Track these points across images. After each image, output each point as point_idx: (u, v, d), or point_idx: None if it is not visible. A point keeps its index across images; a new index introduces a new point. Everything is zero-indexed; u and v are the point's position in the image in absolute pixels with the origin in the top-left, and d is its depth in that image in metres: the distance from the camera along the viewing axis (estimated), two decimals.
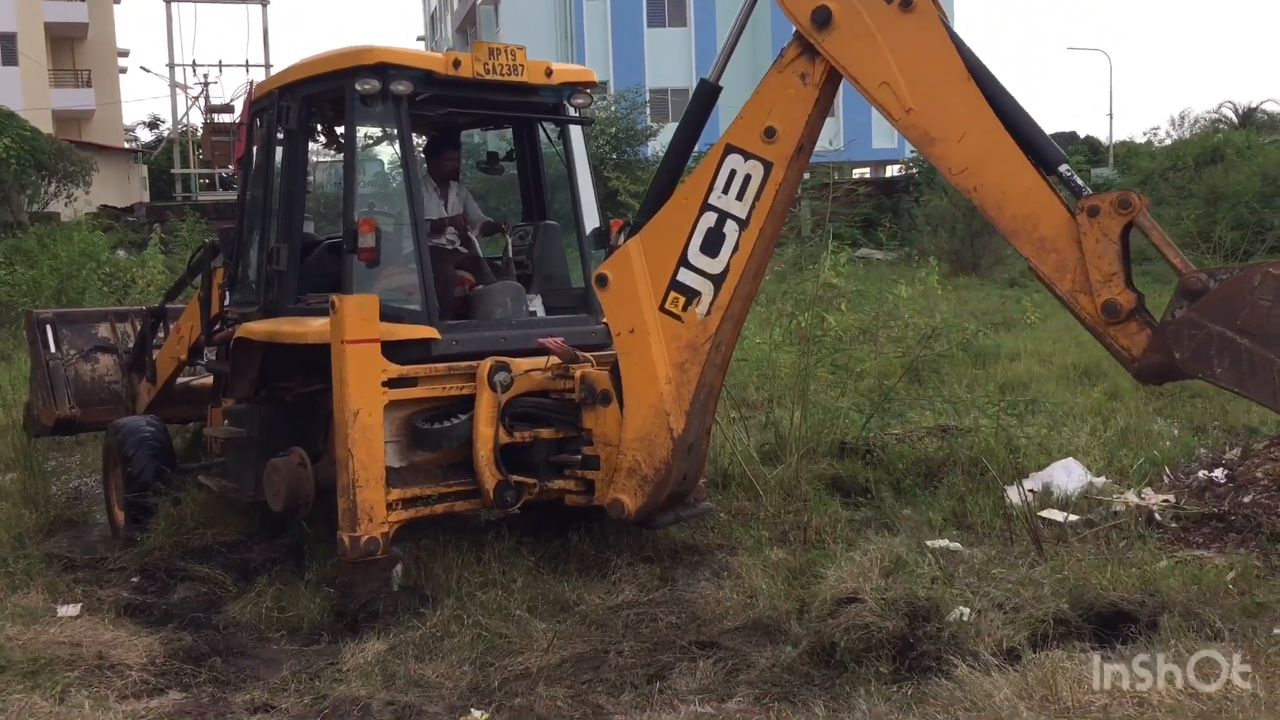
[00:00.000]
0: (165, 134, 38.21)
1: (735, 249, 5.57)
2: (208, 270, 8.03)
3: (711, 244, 5.60)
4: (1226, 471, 7.49)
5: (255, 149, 7.33)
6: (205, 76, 35.30)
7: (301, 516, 6.45)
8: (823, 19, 5.15)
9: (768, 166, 5.47)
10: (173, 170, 33.66)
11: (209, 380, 8.35)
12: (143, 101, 73.34)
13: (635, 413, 5.78)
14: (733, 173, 5.54)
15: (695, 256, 5.62)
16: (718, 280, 5.60)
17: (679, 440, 5.73)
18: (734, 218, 5.55)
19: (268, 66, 33.95)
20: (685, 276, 5.65)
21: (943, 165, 5.07)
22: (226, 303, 7.57)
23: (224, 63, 36.74)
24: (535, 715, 4.38)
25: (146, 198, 31.15)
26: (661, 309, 5.69)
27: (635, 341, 5.75)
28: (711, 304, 5.62)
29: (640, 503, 5.79)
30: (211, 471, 7.34)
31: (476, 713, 4.37)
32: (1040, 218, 4.81)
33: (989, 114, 4.91)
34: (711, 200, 5.57)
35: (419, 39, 60.44)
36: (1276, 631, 4.47)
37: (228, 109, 32.71)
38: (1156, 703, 3.62)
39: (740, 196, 5.53)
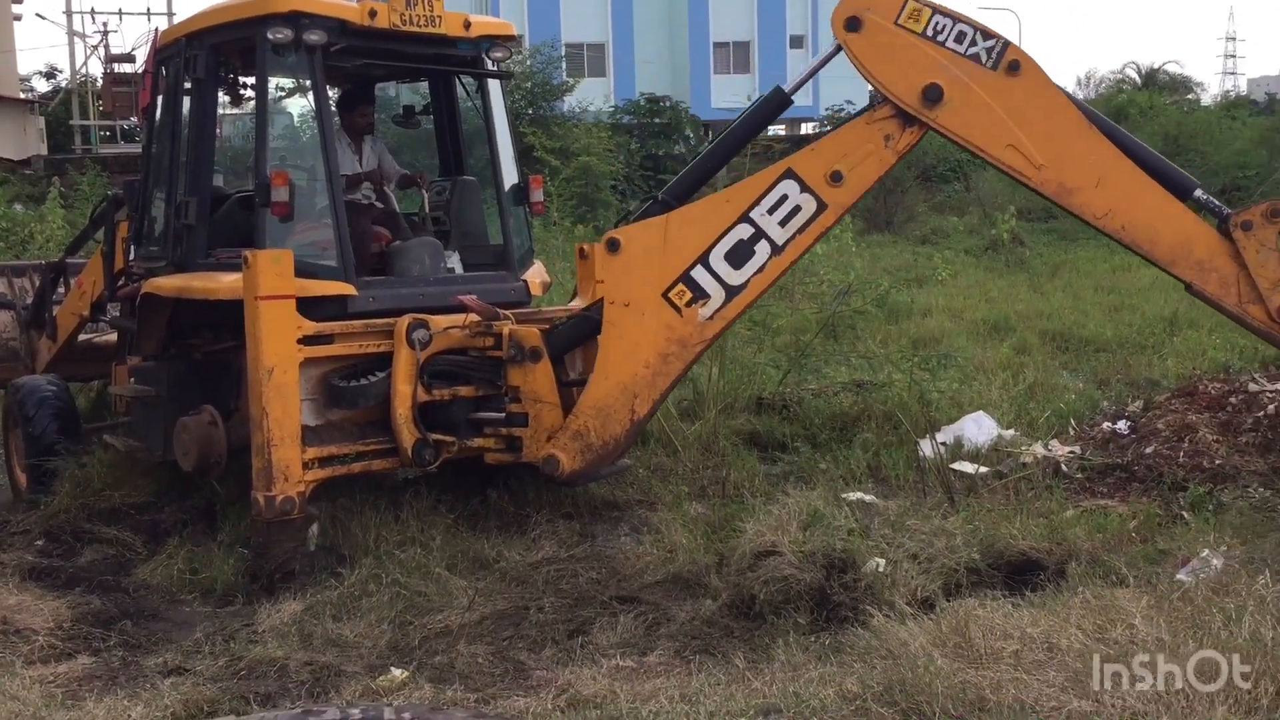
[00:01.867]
0: (63, 84, 36.75)
1: (760, 270, 5.55)
2: (111, 224, 7.78)
3: (738, 256, 5.54)
4: (1129, 423, 7.72)
5: (160, 99, 7.08)
6: (105, 25, 33.82)
7: (213, 477, 6.33)
8: (935, 96, 5.18)
9: (821, 207, 5.47)
10: (71, 122, 32.41)
11: (113, 337, 8.12)
12: (38, 50, 70.43)
13: (602, 382, 5.72)
14: (785, 197, 5.50)
15: (717, 261, 5.55)
16: (732, 291, 5.57)
17: (637, 423, 5.75)
18: (770, 240, 5.51)
19: (170, 15, 32.74)
20: (700, 275, 5.57)
21: (1086, 212, 5.19)
22: (131, 257, 7.34)
23: (124, 11, 35.26)
24: (456, 673, 4.37)
25: (44, 150, 29.92)
26: (664, 295, 5.60)
27: (626, 316, 5.64)
28: (718, 311, 5.60)
29: (577, 467, 5.78)
30: (118, 431, 7.15)
31: (396, 671, 4.34)
32: (1194, 242, 5.04)
33: (1118, 156, 5.09)
34: (753, 215, 5.51)
35: None
36: (1179, 577, 4.64)
37: (129, 58, 31.47)
38: (1065, 646, 3.73)
39: (784, 223, 5.50)
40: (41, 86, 38.41)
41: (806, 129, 42.76)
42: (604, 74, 39.89)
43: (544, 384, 5.90)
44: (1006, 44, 5.21)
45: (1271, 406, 7.13)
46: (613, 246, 5.67)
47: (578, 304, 6.99)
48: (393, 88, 9.23)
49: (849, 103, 37.54)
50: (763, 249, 5.53)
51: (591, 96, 32.20)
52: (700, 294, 5.57)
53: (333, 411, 6.00)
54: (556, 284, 9.34)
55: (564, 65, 32.83)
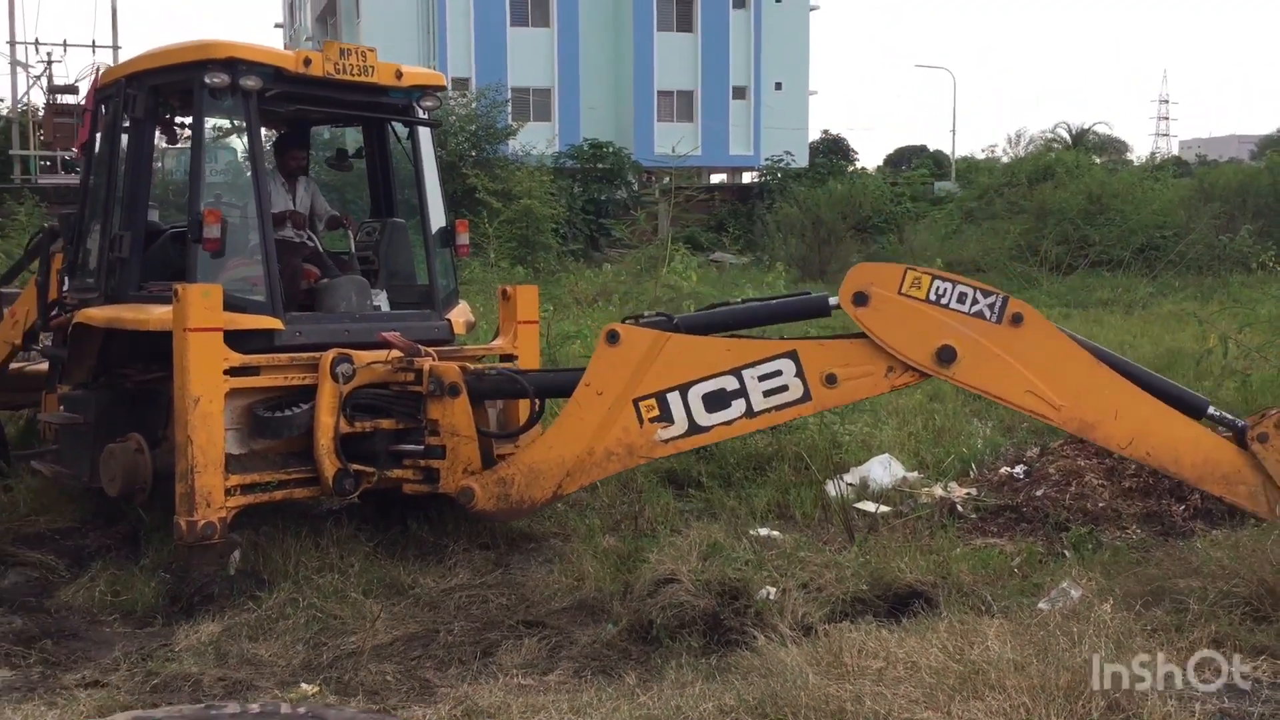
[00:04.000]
0: (4, 113, 36.46)
1: (728, 423, 5.73)
2: (46, 255, 7.95)
3: (715, 401, 5.70)
4: (1025, 468, 8.14)
5: (99, 135, 7.31)
6: (48, 55, 33.65)
7: (138, 503, 6.50)
8: (949, 356, 5.45)
9: (805, 397, 5.68)
10: (11, 151, 32.20)
11: (43, 366, 8.25)
12: None
13: (544, 449, 5.95)
14: (779, 373, 5.68)
15: (695, 397, 5.70)
16: (695, 429, 5.74)
17: (559, 496, 6.03)
18: (749, 402, 5.68)
19: (115, 48, 32.71)
20: (674, 401, 5.71)
21: (1111, 443, 5.49)
22: (65, 288, 7.52)
23: (69, 43, 35.09)
24: (362, 687, 4.60)
25: None
26: (635, 401, 5.75)
27: (594, 402, 5.81)
28: (674, 439, 5.77)
29: (490, 508, 6.07)
30: (45, 458, 7.29)
31: (305, 686, 4.56)
32: (1217, 460, 5.35)
33: (1130, 388, 5.40)
34: (745, 373, 5.67)
35: (276, 25, 59.12)
36: (1039, 605, 5.00)
37: (72, 89, 31.39)
38: (925, 665, 4.06)
39: (767, 394, 5.68)
40: None
41: (747, 178, 43.65)
42: (549, 118, 40.47)
43: (462, 419, 6.19)
44: (1006, 298, 5.50)
45: None
46: (612, 339, 5.83)
47: (499, 343, 7.30)
48: (330, 129, 9.52)
49: (788, 153, 38.64)
50: (738, 407, 5.70)
51: (535, 140, 32.68)
52: (666, 417, 5.72)
53: (257, 441, 6.21)
54: (489, 324, 9.63)
55: (509, 109, 33.30)
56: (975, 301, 5.46)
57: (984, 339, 5.43)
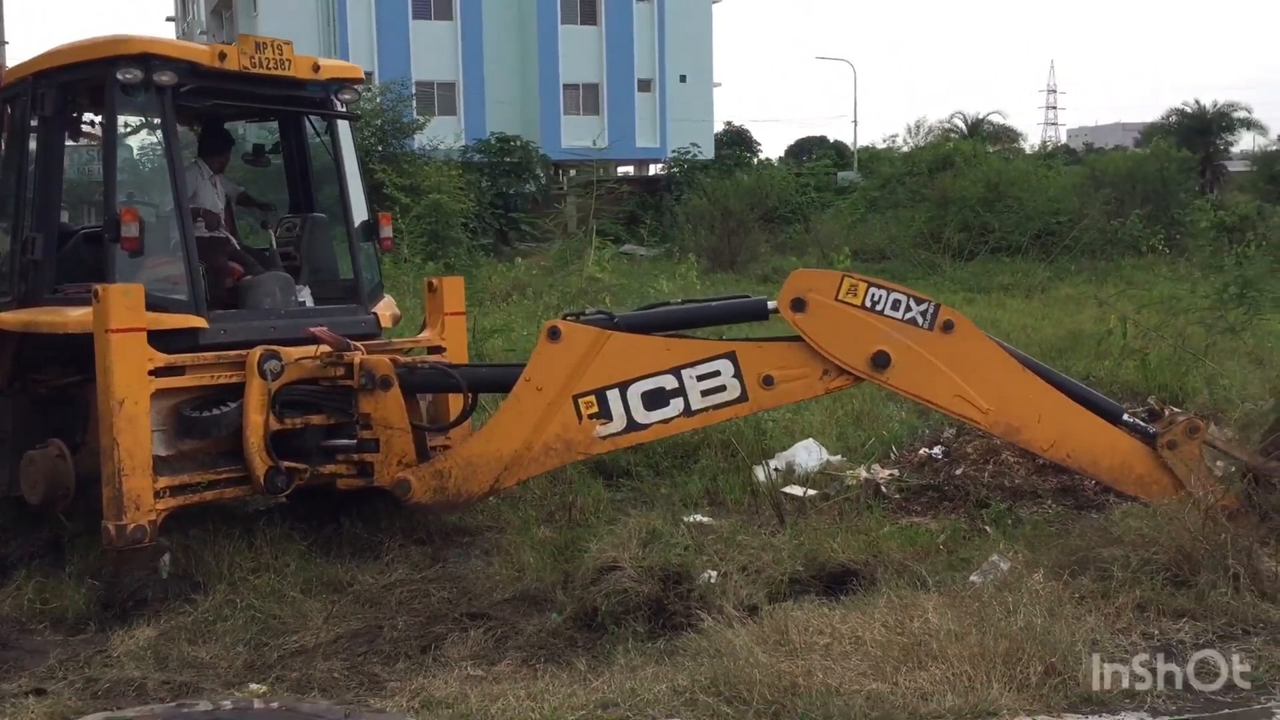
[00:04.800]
0: None
1: (666, 421, 5.77)
2: None
3: (654, 399, 5.73)
4: (944, 448, 8.38)
5: (6, 136, 7.09)
6: None
7: (61, 509, 6.35)
8: (883, 361, 5.55)
9: (742, 397, 5.74)
10: None
11: None
12: None
13: (482, 443, 5.95)
14: (717, 373, 5.72)
15: (634, 395, 5.73)
16: (633, 426, 5.76)
17: (495, 490, 6.03)
18: (687, 401, 5.72)
19: (1, 44, 31.60)
20: (613, 398, 5.73)
21: (1034, 446, 5.69)
22: None
23: None
24: (314, 684, 4.59)
25: None
26: (574, 397, 5.76)
27: (533, 398, 5.80)
28: (611, 436, 5.79)
29: (426, 500, 6.05)
30: None
31: (255, 686, 4.53)
32: (1131, 462, 5.57)
33: (1053, 393, 5.59)
34: (684, 372, 5.71)
35: (168, 19, 57.48)
36: (971, 579, 5.19)
37: None
38: (869, 639, 4.20)
39: (705, 394, 5.72)
40: None
41: (654, 170, 43.85)
42: (454, 112, 40.14)
43: (395, 411, 6.17)
44: (938, 306, 5.65)
45: None
46: (553, 335, 5.82)
47: (427, 335, 7.28)
48: (240, 126, 9.37)
49: (694, 145, 38.92)
50: (676, 405, 5.74)
51: (442, 135, 32.41)
52: (605, 413, 5.75)
53: (184, 441, 6.11)
54: (406, 318, 9.57)
55: (414, 103, 32.95)
56: (909, 309, 5.62)
57: (916, 345, 5.59)
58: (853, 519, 6.81)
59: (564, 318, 6.07)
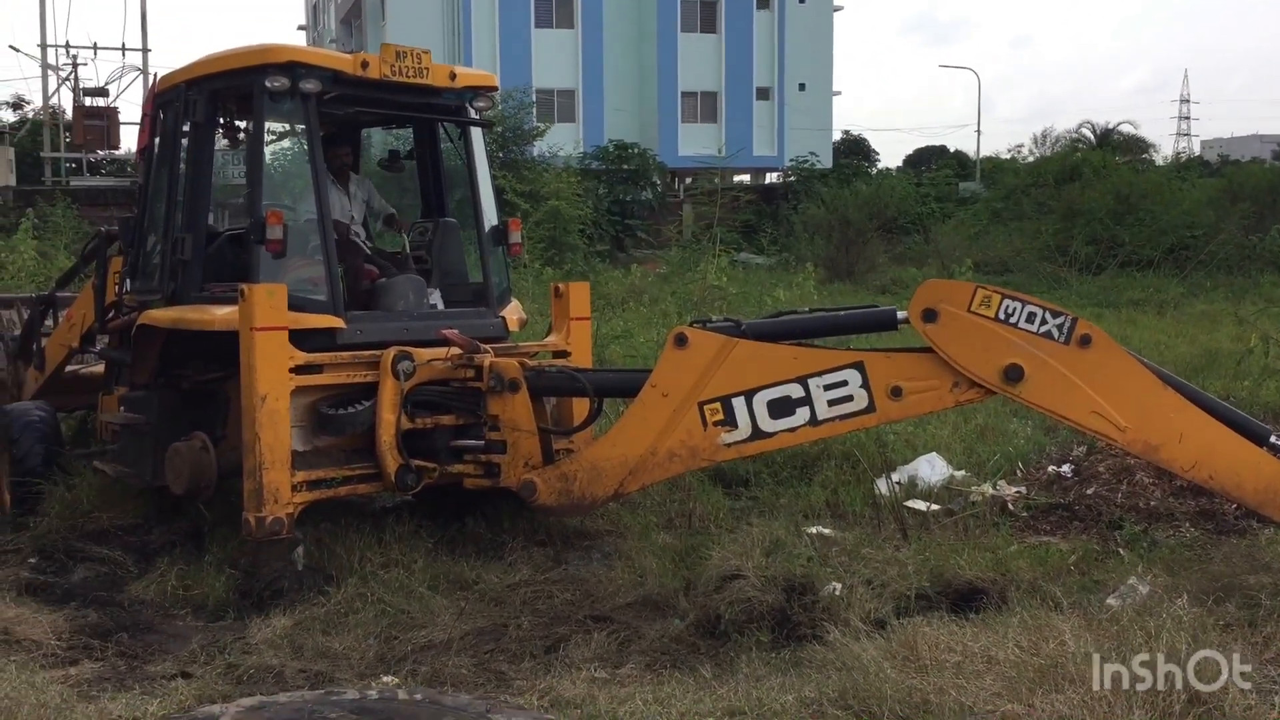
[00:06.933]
0: (30, 115, 36.80)
1: (792, 430, 5.70)
2: (103, 258, 8.05)
3: (780, 408, 5.68)
4: (1073, 467, 8.16)
5: (159, 140, 7.40)
6: (74, 57, 33.97)
7: (203, 500, 6.59)
8: (1016, 375, 5.43)
9: (870, 408, 5.64)
10: (41, 154, 32.51)
11: (99, 369, 8.36)
12: (9, 82, 70.41)
13: (608, 447, 6.00)
14: (844, 383, 5.64)
15: (759, 403, 5.69)
16: (759, 435, 5.72)
17: (621, 494, 6.06)
18: (813, 410, 5.65)
19: (145, 51, 33.01)
20: (739, 406, 5.70)
21: (1174, 465, 5.47)
22: (124, 290, 7.62)
23: (99, 45, 35.48)
24: (444, 680, 4.68)
25: (13, 181, 29.98)
26: (700, 404, 5.76)
27: (659, 404, 5.82)
28: (737, 444, 5.76)
29: (550, 503, 6.12)
30: (106, 458, 7.38)
31: (388, 678, 4.64)
32: (1279, 487, 5.33)
33: (1196, 412, 5.40)
34: (810, 382, 5.65)
35: (299, 28, 59.38)
36: (1108, 601, 5.03)
37: (102, 92, 31.68)
38: (1002, 659, 4.10)
39: (832, 404, 5.64)
40: (8, 117, 38.42)
41: (771, 178, 43.66)
42: (574, 120, 40.59)
43: (522, 414, 6.26)
44: (1075, 320, 5.48)
45: None
46: (680, 342, 5.82)
47: (553, 339, 7.37)
48: (373, 132, 9.62)
49: (813, 154, 38.65)
50: (803, 414, 5.67)
51: (561, 142, 32.80)
52: (730, 421, 5.72)
53: (320, 437, 6.30)
54: (530, 322, 9.71)
55: (535, 111, 33.43)
56: (1044, 321, 5.46)
57: (1051, 359, 5.42)
58: (978, 536, 6.68)
59: (690, 325, 6.08)
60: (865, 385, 5.65)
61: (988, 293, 5.57)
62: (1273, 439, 5.53)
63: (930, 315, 5.57)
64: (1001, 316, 5.52)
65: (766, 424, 5.73)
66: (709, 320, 6.23)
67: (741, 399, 5.73)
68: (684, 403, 5.78)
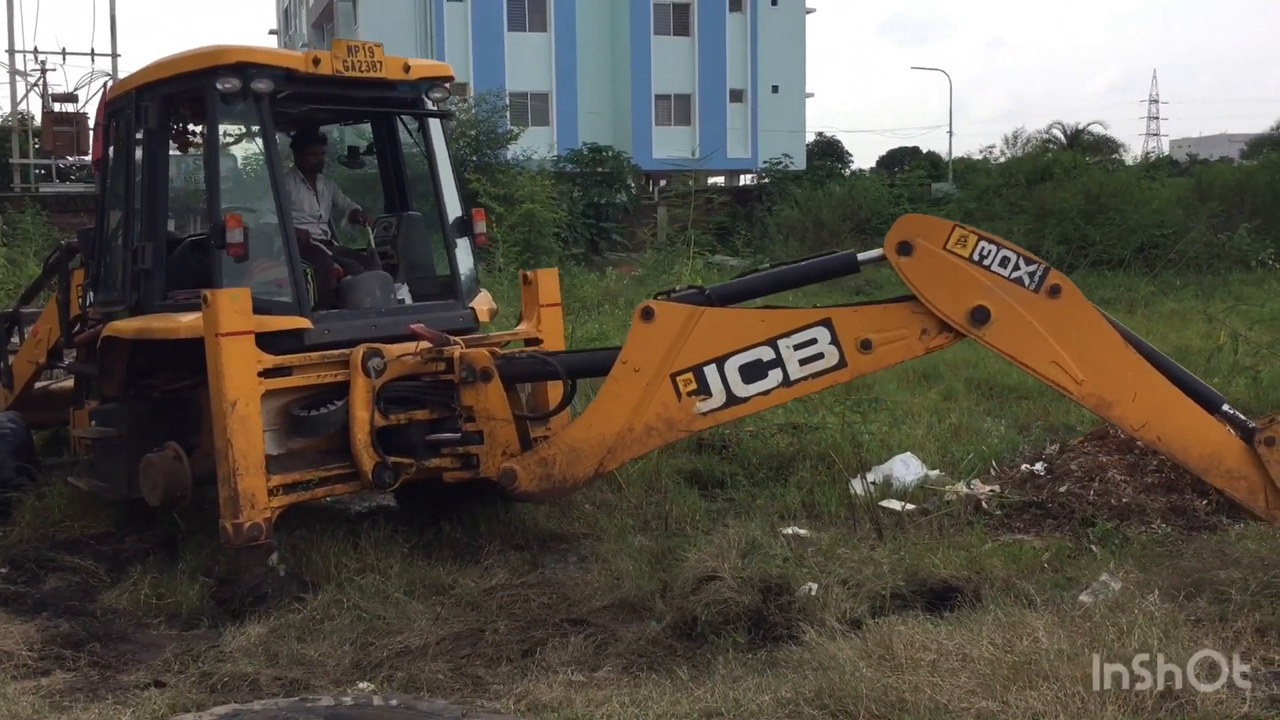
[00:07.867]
0: (2, 122, 36.44)
1: (765, 393, 5.73)
2: (65, 272, 7.98)
3: (752, 372, 5.70)
4: (1046, 465, 8.20)
5: (113, 149, 7.32)
6: (43, 62, 33.65)
7: (178, 509, 6.54)
8: (982, 316, 5.47)
9: (841, 364, 5.68)
10: (10, 160, 32.19)
11: (68, 384, 8.28)
12: None
13: (584, 427, 5.98)
14: (814, 341, 5.67)
15: (731, 369, 5.70)
16: (733, 400, 5.74)
17: (600, 474, 6.05)
18: (785, 371, 5.68)
19: (115, 56, 32.71)
20: (711, 374, 5.71)
21: (1124, 424, 5.54)
22: (88, 303, 7.53)
23: (68, 50, 35.16)
24: (420, 686, 4.66)
25: None
26: (672, 376, 5.76)
27: (631, 379, 5.82)
28: (712, 411, 5.77)
29: (532, 488, 6.09)
30: (80, 472, 7.30)
31: (363, 685, 4.62)
32: (1223, 454, 5.43)
33: (1153, 373, 5.44)
34: (780, 343, 5.67)
35: (271, 32, 59.06)
36: (1081, 598, 5.07)
37: (71, 98, 31.39)
38: (976, 656, 4.13)
39: (803, 363, 5.67)
40: None
41: (745, 180, 43.76)
42: (548, 123, 40.56)
43: (496, 402, 6.25)
44: (1048, 269, 5.52)
45: None
46: (647, 315, 5.82)
47: (523, 327, 7.35)
48: (335, 129, 9.57)
49: (787, 156, 38.76)
50: (775, 376, 5.70)
51: (535, 145, 32.75)
52: (704, 390, 5.73)
53: (294, 440, 6.26)
54: (502, 317, 9.69)
55: (508, 114, 33.36)
56: (1017, 267, 5.47)
57: (1019, 305, 5.45)
58: (953, 535, 6.70)
59: (655, 297, 6.06)
60: (835, 341, 5.67)
61: (965, 232, 5.57)
62: (1225, 407, 5.57)
63: (905, 248, 5.58)
64: (976, 258, 5.53)
65: (740, 389, 5.74)
66: (674, 291, 6.20)
67: (713, 366, 5.73)
68: (656, 376, 5.77)
